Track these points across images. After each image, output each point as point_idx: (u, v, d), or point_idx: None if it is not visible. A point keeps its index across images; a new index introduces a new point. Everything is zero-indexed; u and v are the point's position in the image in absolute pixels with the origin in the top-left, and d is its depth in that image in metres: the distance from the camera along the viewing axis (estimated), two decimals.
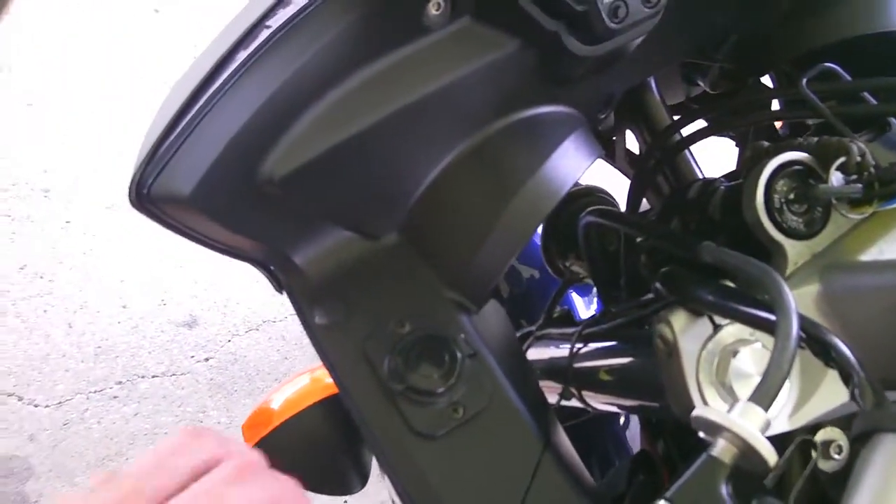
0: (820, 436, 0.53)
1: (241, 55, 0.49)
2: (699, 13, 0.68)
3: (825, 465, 0.51)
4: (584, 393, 0.73)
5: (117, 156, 2.30)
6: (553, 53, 0.57)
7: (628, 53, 0.62)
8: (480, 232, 0.59)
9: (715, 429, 0.39)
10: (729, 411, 0.40)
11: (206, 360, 2.00)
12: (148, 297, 2.08)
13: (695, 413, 0.40)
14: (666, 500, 0.39)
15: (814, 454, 0.44)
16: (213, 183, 0.50)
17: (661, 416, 0.72)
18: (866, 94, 0.62)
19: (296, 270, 0.59)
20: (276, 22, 0.49)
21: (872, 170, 0.53)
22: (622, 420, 1.13)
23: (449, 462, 0.55)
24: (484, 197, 0.60)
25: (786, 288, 0.45)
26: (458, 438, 0.56)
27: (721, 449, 0.39)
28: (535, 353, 0.83)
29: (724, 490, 0.38)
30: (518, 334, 0.88)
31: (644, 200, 0.77)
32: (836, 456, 0.52)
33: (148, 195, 0.49)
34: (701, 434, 0.41)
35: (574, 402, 0.75)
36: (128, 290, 2.08)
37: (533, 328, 0.88)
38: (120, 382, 1.92)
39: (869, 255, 0.53)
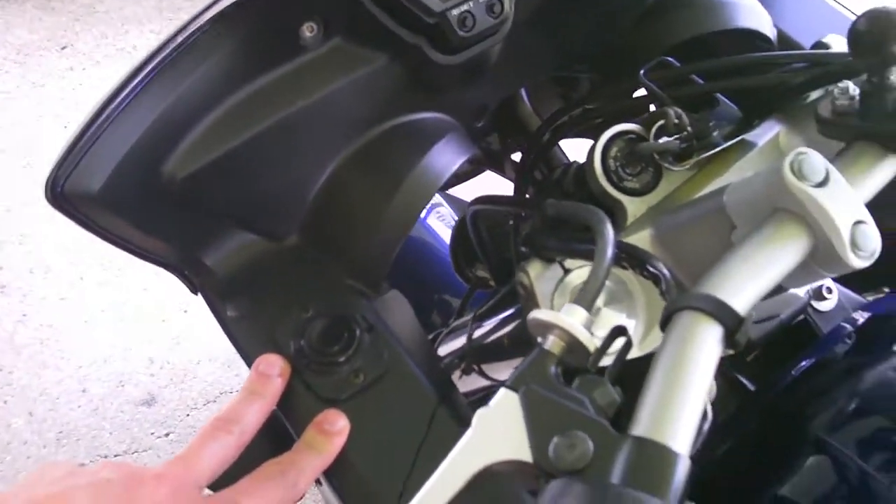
0: None
1: (144, 73, 0.56)
2: (555, 27, 0.76)
3: None
4: (490, 366, 0.80)
5: (66, 251, 2.36)
6: (419, 65, 0.65)
7: (491, 62, 0.70)
8: (370, 223, 0.66)
9: (545, 327, 0.46)
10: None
11: (167, 435, 2.03)
12: (106, 380, 2.10)
13: (530, 316, 0.47)
14: (505, 386, 0.45)
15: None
16: (121, 181, 0.56)
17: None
18: (696, 78, 0.71)
19: (206, 271, 0.66)
20: (173, 43, 0.56)
21: (690, 129, 0.63)
22: None
23: (353, 422, 0.60)
24: (370, 193, 0.66)
25: (604, 217, 0.53)
26: (361, 401, 0.62)
27: (551, 342, 0.46)
28: (446, 349, 0.90)
29: (553, 372, 0.45)
30: (431, 336, 0.95)
31: None
32: None
33: (62, 193, 0.55)
34: (538, 338, 0.48)
35: (480, 380, 0.82)
36: (86, 375, 2.11)
37: (443, 328, 0.95)
38: (83, 464, 1.93)
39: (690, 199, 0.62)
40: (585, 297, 0.48)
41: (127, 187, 0.57)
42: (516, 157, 0.93)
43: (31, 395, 2.06)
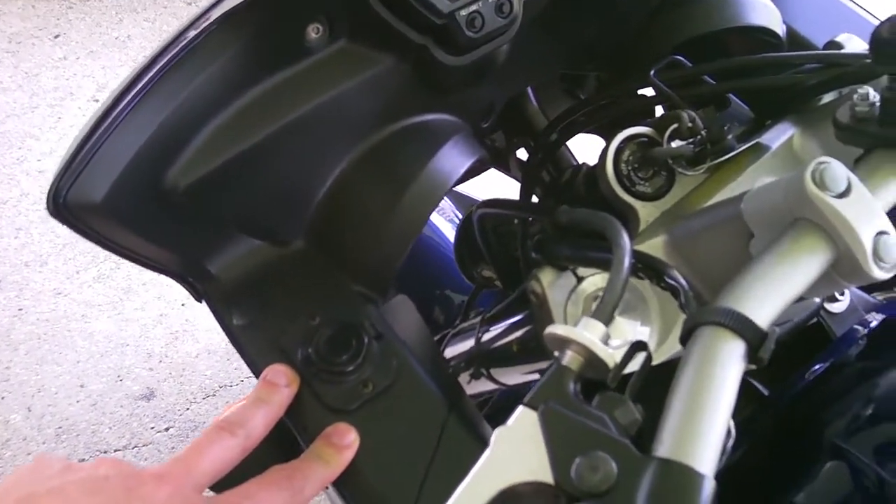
0: None
1: (146, 78, 0.55)
2: (562, 26, 0.75)
3: None
4: (498, 371, 0.79)
5: (63, 245, 2.35)
6: (426, 65, 0.63)
7: (498, 63, 0.69)
8: (378, 226, 0.65)
9: (563, 342, 0.46)
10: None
11: (167, 429, 2.02)
12: (104, 375, 2.10)
13: (546, 331, 0.46)
14: (523, 404, 0.45)
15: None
16: (123, 191, 0.55)
17: None
18: (707, 78, 0.70)
19: (211, 278, 0.65)
20: (174, 49, 0.55)
21: (704, 133, 0.62)
22: None
23: (363, 432, 0.60)
24: (377, 195, 0.65)
25: (620, 226, 0.52)
26: (370, 411, 0.61)
27: (569, 358, 0.45)
28: (452, 351, 0.90)
29: (572, 389, 0.44)
30: (436, 337, 0.94)
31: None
32: None
33: (64, 203, 0.54)
34: (555, 353, 0.47)
35: (486, 383, 0.81)
36: (84, 370, 2.10)
37: (450, 330, 0.94)
38: (83, 459, 1.93)
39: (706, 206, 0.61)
40: (603, 311, 0.47)
41: (130, 197, 0.56)
42: (521, 154, 0.92)
43: (30, 390, 2.05)
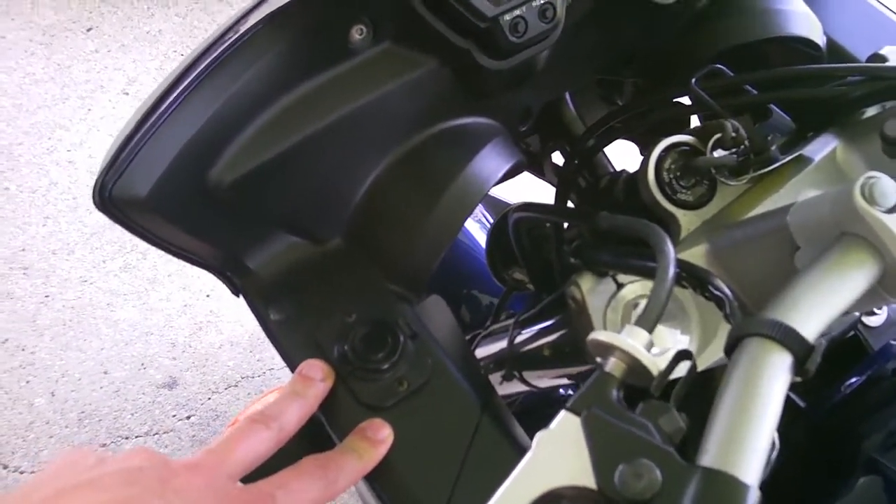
0: None
1: (194, 74, 0.55)
2: (602, 31, 0.75)
3: None
4: (529, 373, 0.79)
5: (91, 234, 2.37)
6: (468, 69, 0.64)
7: (539, 67, 0.70)
8: (414, 228, 0.65)
9: (606, 349, 0.46)
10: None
11: (188, 418, 2.04)
12: (128, 363, 2.12)
13: (590, 338, 0.47)
14: (566, 409, 0.45)
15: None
16: (169, 186, 0.55)
17: None
18: (749, 88, 0.70)
19: (249, 273, 0.65)
20: (219, 48, 0.56)
21: (747, 143, 0.62)
22: None
23: (397, 431, 0.60)
24: (415, 197, 0.66)
25: (664, 234, 0.52)
26: (404, 408, 0.61)
27: (612, 365, 0.45)
28: (483, 351, 0.90)
29: (615, 396, 0.45)
30: (468, 337, 0.94)
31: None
32: None
33: (110, 198, 0.55)
34: (598, 359, 0.47)
35: (518, 385, 0.81)
36: (108, 357, 2.12)
37: (480, 330, 0.94)
38: (104, 445, 1.95)
39: (750, 216, 0.61)
40: (647, 319, 0.47)
41: (174, 192, 0.57)
42: (556, 158, 0.92)
43: (54, 375, 2.07)
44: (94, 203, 0.56)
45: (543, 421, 0.66)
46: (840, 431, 0.62)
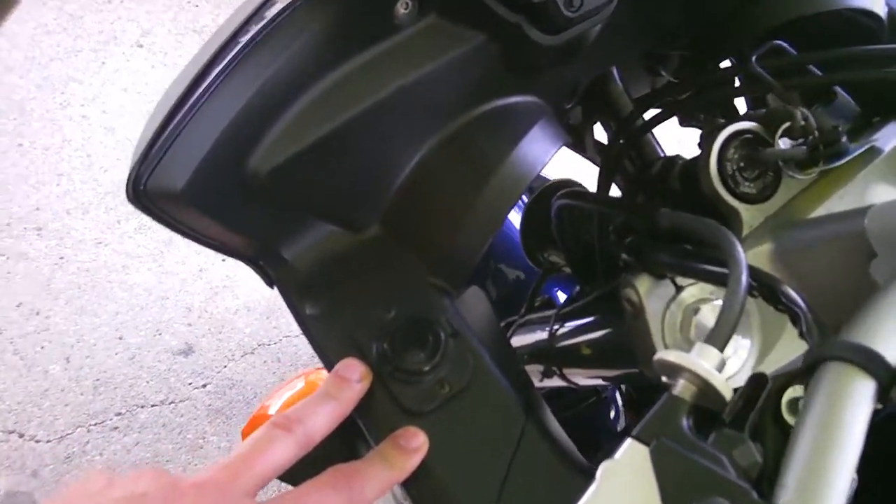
0: (788, 394, 0.56)
1: (227, 58, 0.51)
2: (653, 3, 0.71)
3: (793, 421, 0.54)
4: (568, 370, 0.76)
5: (105, 193, 2.34)
6: (517, 45, 0.59)
7: (589, 42, 0.65)
8: (458, 217, 0.61)
9: (675, 369, 0.42)
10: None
11: (204, 386, 2.02)
12: (143, 328, 2.10)
13: (656, 357, 0.43)
14: (632, 437, 0.41)
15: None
16: (204, 178, 0.52)
17: (639, 382, 0.74)
18: (812, 68, 0.66)
19: (285, 265, 0.62)
20: (255, 26, 0.52)
21: (817, 133, 0.57)
22: (612, 414, 1.16)
23: (438, 436, 0.57)
24: (459, 183, 0.62)
25: (735, 239, 0.48)
26: (446, 413, 0.58)
27: (681, 388, 0.42)
28: (519, 340, 0.86)
29: (686, 424, 0.41)
30: (503, 324, 0.91)
31: (615, 187, 0.81)
32: None
33: (144, 191, 0.51)
34: (664, 378, 0.44)
35: (557, 381, 0.78)
36: (123, 322, 2.10)
37: (516, 317, 0.91)
38: (119, 413, 1.94)
39: (817, 213, 0.56)
40: (719, 336, 0.43)
41: (210, 183, 0.53)
42: (597, 133, 0.88)
43: (69, 340, 2.05)
44: (128, 197, 0.53)
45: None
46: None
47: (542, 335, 0.79)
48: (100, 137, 2.47)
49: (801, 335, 0.46)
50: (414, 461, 0.56)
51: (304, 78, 0.54)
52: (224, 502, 0.48)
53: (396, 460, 0.56)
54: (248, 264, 0.64)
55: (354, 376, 0.57)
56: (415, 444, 0.56)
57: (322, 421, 0.55)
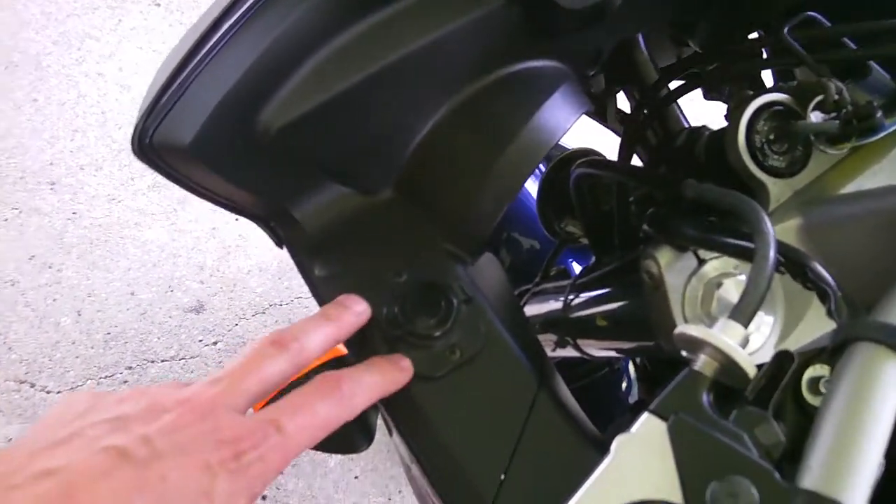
0: (809, 373, 0.55)
1: (237, 12, 0.50)
2: None
3: (814, 401, 0.53)
4: (582, 341, 0.74)
5: (119, 150, 2.33)
6: (539, 6, 0.58)
7: (614, 7, 0.63)
8: (474, 182, 0.60)
9: (696, 344, 0.41)
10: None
11: (215, 343, 2.02)
12: (155, 285, 2.09)
13: (677, 330, 0.42)
14: (650, 411, 0.40)
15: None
16: (212, 133, 0.51)
17: (655, 355, 0.73)
18: (847, 40, 0.64)
19: (295, 225, 0.61)
20: None
21: (850, 107, 0.55)
22: (624, 385, 1.15)
23: (449, 401, 0.56)
24: (477, 148, 0.60)
25: (763, 213, 0.46)
26: (457, 379, 0.57)
27: (702, 363, 0.41)
28: (533, 309, 0.85)
29: (706, 400, 0.40)
30: (517, 292, 0.89)
31: (636, 157, 0.79)
32: (825, 391, 0.53)
33: (150, 144, 0.50)
34: (684, 353, 0.43)
35: (570, 352, 0.77)
36: (135, 278, 2.10)
37: (530, 286, 0.90)
38: (130, 368, 1.94)
39: (847, 190, 0.55)
40: (743, 311, 0.42)
41: (219, 139, 0.52)
42: (622, 102, 0.86)
43: (80, 294, 2.05)
44: (133, 150, 0.52)
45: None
46: None
47: (556, 305, 0.78)
48: (115, 94, 2.45)
49: (829, 313, 0.45)
50: (403, 377, 0.55)
51: (317, 35, 0.53)
52: (210, 418, 0.45)
53: (387, 371, 0.55)
54: (258, 224, 0.63)
55: (356, 307, 0.56)
56: (403, 363, 0.56)
57: (318, 340, 0.53)
